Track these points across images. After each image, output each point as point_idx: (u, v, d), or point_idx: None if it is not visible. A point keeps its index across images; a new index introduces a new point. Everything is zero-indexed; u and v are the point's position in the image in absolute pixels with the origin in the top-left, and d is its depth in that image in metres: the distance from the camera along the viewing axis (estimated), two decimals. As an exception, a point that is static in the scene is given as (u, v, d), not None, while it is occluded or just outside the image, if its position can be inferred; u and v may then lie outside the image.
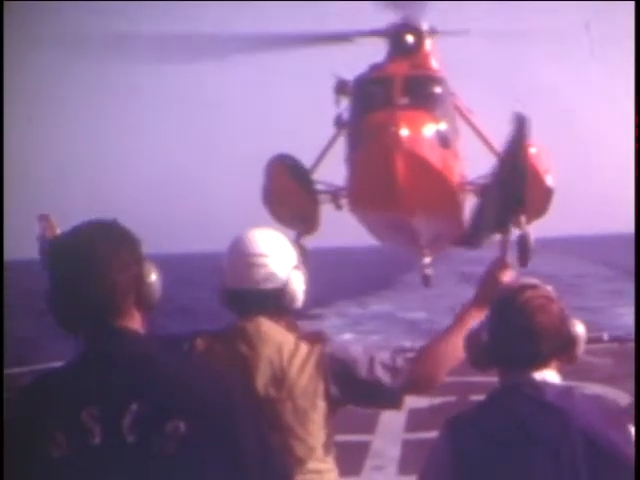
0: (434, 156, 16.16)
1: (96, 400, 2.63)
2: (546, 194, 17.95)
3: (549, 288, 3.25)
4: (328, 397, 3.63)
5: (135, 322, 2.79)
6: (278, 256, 3.69)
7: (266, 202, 17.97)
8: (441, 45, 18.93)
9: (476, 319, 3.58)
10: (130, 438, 2.60)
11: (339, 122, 17.83)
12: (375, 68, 17.86)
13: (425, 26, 18.53)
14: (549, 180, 17.91)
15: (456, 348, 3.67)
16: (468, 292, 4.06)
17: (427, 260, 20.23)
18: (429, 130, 16.29)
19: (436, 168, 16.19)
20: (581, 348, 3.25)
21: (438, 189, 16.55)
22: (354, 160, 16.45)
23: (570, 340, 3.20)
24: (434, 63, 18.58)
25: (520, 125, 4.29)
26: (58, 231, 3.91)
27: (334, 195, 18.30)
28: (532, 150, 17.66)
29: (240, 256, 3.69)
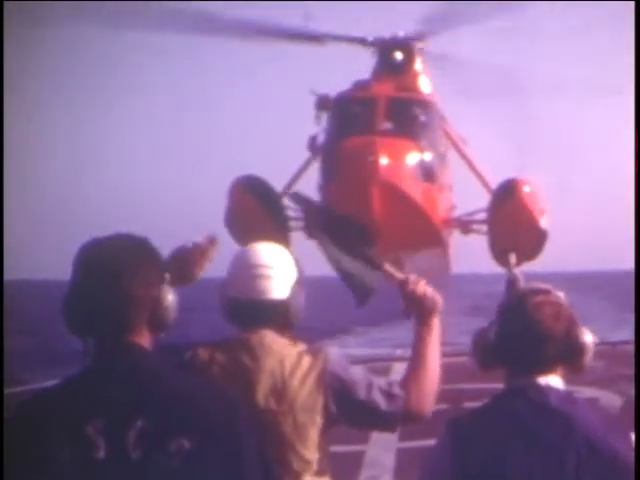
0: (416, 190, 14.41)
1: (101, 414, 2.63)
2: (539, 237, 16.20)
3: (561, 294, 3.20)
4: (326, 413, 3.58)
5: (144, 340, 2.79)
6: (282, 269, 3.67)
7: (227, 225, 16.14)
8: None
9: (433, 335, 3.71)
10: (134, 454, 2.60)
11: (313, 146, 16.07)
12: (357, 86, 16.10)
13: (415, 34, 16.77)
14: (543, 222, 16.13)
15: (435, 371, 3.72)
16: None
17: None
18: (412, 161, 14.51)
19: (417, 203, 14.43)
20: (589, 357, 3.19)
21: (419, 226, 14.83)
22: (327, 189, 14.69)
23: (578, 348, 3.15)
24: (424, 84, 16.82)
25: None
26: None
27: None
28: (526, 189, 16.02)
29: (244, 267, 3.66)
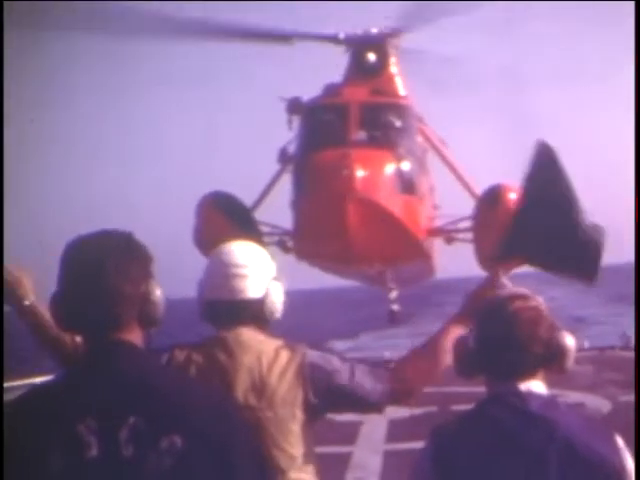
0: (395, 204, 13.44)
1: (93, 412, 2.61)
2: None
3: (540, 299, 3.20)
4: (307, 406, 3.57)
5: (135, 336, 2.77)
6: (258, 267, 3.67)
7: (197, 244, 15.17)
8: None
9: (459, 332, 3.68)
10: (126, 452, 2.59)
11: (283, 157, 15.06)
12: (329, 91, 15.06)
13: (390, 29, 15.72)
14: None
15: (438, 358, 3.77)
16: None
17: (393, 295, 17.65)
18: (389, 172, 13.51)
19: (397, 218, 13.47)
20: (571, 360, 3.17)
21: (399, 240, 13.88)
22: (301, 206, 13.72)
23: (559, 351, 3.14)
24: (399, 87, 15.80)
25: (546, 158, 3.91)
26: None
27: (280, 237, 15.67)
28: (511, 196, 15.09)
29: (220, 267, 3.67)
